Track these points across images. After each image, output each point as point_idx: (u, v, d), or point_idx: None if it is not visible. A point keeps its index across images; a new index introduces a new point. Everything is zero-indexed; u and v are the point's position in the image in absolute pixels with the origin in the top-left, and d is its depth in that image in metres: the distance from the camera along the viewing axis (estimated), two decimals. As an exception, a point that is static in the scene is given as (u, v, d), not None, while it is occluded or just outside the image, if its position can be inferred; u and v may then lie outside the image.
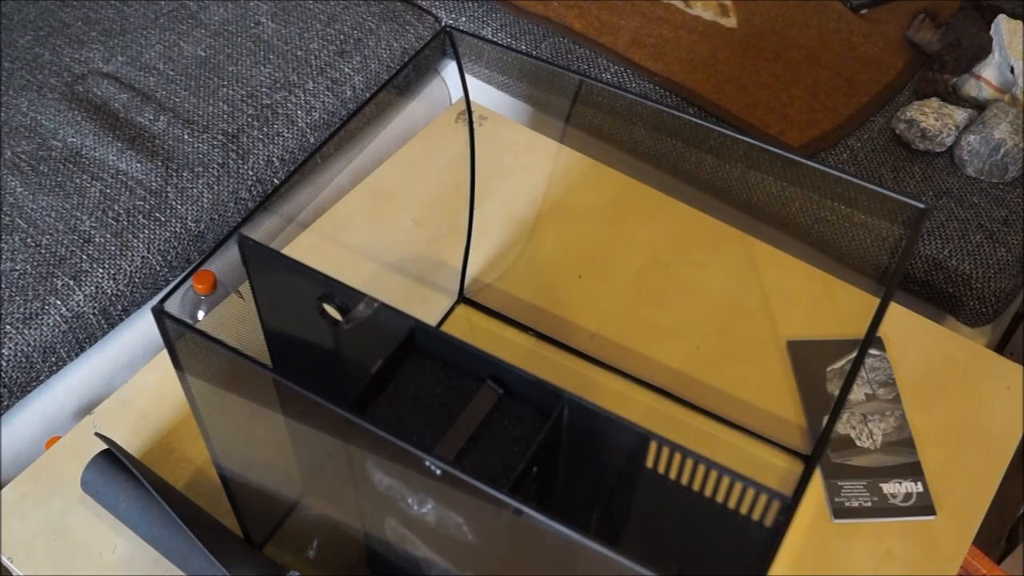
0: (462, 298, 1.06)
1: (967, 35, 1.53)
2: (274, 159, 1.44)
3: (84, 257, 1.27)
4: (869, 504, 0.91)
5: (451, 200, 1.15)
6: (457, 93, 1.70)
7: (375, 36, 1.59)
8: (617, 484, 0.67)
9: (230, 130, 1.43)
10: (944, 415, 0.98)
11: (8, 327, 1.20)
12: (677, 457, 0.60)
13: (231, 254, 0.70)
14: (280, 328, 0.77)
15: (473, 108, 0.97)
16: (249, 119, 1.45)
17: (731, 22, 1.61)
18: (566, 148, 1.22)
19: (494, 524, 0.58)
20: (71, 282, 1.25)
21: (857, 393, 0.99)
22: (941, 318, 1.38)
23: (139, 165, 1.37)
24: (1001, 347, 1.56)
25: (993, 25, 1.51)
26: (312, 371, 0.76)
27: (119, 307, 1.28)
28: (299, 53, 1.54)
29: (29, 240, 1.28)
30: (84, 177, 1.36)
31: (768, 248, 1.11)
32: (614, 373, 1.00)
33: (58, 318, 1.22)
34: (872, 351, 1.02)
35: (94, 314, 1.26)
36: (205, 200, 1.36)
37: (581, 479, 0.69)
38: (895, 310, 1.06)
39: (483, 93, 1.62)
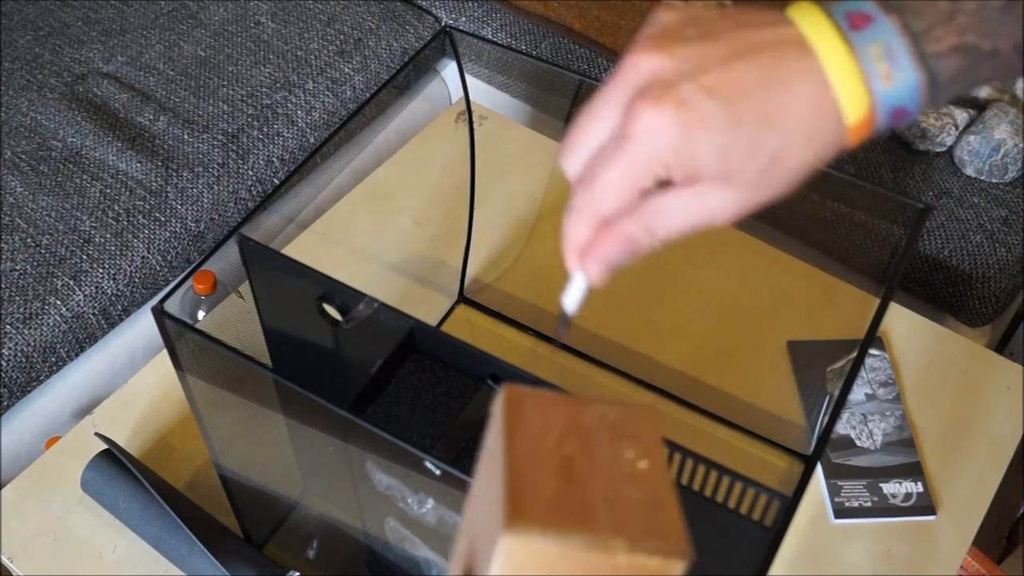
0: (462, 298, 1.06)
1: (967, 35, 1.53)
2: (274, 159, 1.44)
3: (84, 257, 1.27)
4: (869, 504, 0.91)
5: (451, 200, 1.15)
6: (457, 93, 1.70)
7: (375, 36, 1.59)
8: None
9: (230, 130, 1.43)
10: (944, 415, 0.98)
11: (8, 327, 1.20)
12: (677, 457, 0.60)
13: (231, 254, 0.70)
14: (280, 328, 0.77)
15: (473, 108, 0.97)
16: (249, 119, 1.45)
17: (731, 22, 1.61)
18: (566, 148, 1.21)
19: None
20: (71, 282, 1.25)
21: (857, 393, 0.99)
22: (941, 318, 1.38)
23: (139, 165, 1.37)
24: (1001, 347, 1.56)
25: (993, 25, 1.51)
26: (312, 371, 0.76)
27: (119, 307, 1.28)
28: (299, 53, 1.54)
29: (29, 240, 1.28)
30: (84, 177, 1.36)
31: (768, 248, 1.11)
32: (614, 373, 1.00)
33: (58, 318, 1.22)
34: (872, 351, 1.02)
35: (94, 314, 1.26)
36: (205, 200, 1.36)
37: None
38: (895, 310, 1.06)
39: (483, 93, 1.62)
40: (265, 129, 1.44)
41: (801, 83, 0.39)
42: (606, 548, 0.31)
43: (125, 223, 1.31)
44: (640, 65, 0.40)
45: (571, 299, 0.47)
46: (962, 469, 0.94)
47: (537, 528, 0.30)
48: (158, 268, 1.31)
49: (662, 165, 0.40)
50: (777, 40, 0.39)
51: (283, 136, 1.45)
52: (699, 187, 0.40)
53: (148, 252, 1.30)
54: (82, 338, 1.25)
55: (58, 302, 1.23)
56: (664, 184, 0.41)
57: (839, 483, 0.92)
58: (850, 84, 0.39)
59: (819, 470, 0.93)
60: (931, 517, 0.91)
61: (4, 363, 1.18)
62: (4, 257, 1.26)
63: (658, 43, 0.40)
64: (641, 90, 0.40)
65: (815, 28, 0.39)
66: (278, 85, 1.49)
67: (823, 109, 0.39)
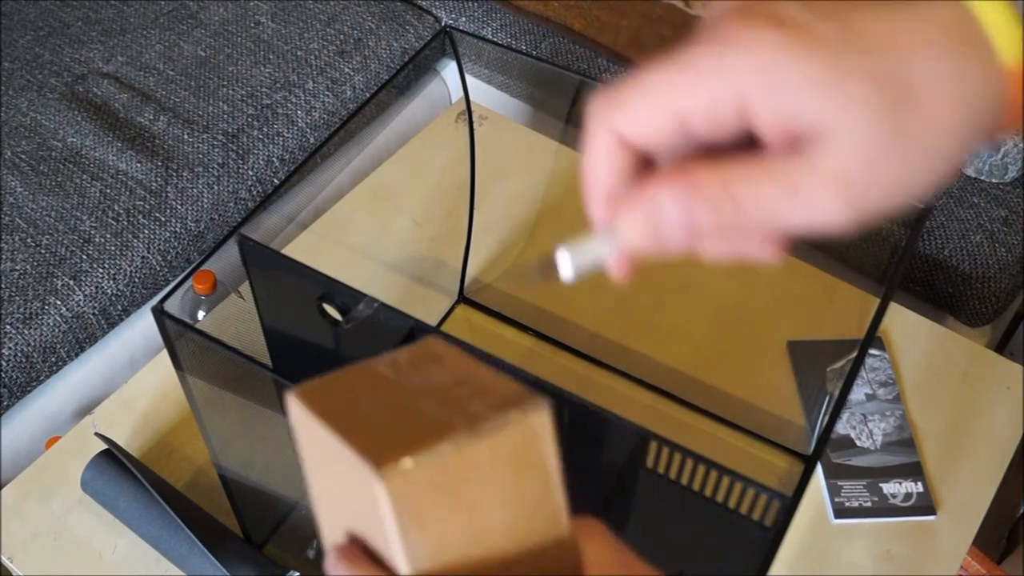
0: (462, 298, 1.06)
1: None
2: (274, 159, 1.44)
3: (84, 257, 1.27)
4: (869, 504, 0.91)
5: (451, 200, 1.15)
6: (457, 93, 1.70)
7: (375, 36, 1.59)
8: (617, 484, 0.67)
9: (230, 130, 1.43)
10: (944, 415, 0.98)
11: (8, 327, 1.20)
12: (677, 457, 0.60)
13: (231, 254, 0.70)
14: (280, 328, 0.77)
15: (473, 108, 0.97)
16: (249, 119, 1.45)
17: (731, 22, 1.61)
18: (566, 148, 1.22)
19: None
20: (71, 282, 1.25)
21: (857, 393, 0.99)
22: (941, 318, 1.38)
23: (139, 165, 1.37)
24: (1001, 347, 1.56)
25: (993, 25, 1.51)
26: (312, 371, 0.76)
27: (119, 307, 1.28)
28: (299, 53, 1.54)
29: (29, 240, 1.28)
30: (84, 177, 1.36)
31: (768, 248, 1.11)
32: (614, 373, 1.00)
33: (58, 318, 1.22)
34: (872, 351, 1.02)
35: (94, 314, 1.26)
36: (205, 200, 1.36)
37: (581, 479, 0.69)
38: (895, 310, 1.06)
39: (483, 93, 1.62)
40: (265, 129, 1.44)
41: (937, 9, 0.28)
42: (475, 438, 0.31)
43: (125, 223, 1.31)
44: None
45: (577, 260, 0.32)
46: (962, 469, 0.94)
47: (405, 458, 0.30)
48: (158, 268, 1.31)
49: (734, 95, 0.27)
50: None
51: (283, 136, 1.45)
52: (803, 146, 0.28)
53: (148, 252, 1.30)
54: (82, 338, 1.25)
55: (58, 302, 1.23)
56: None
57: (839, 483, 0.92)
58: (1002, 18, 0.28)
59: (819, 470, 0.93)
60: (931, 517, 0.91)
61: (4, 363, 1.18)
62: (4, 257, 1.26)
63: None
64: (732, 12, 0.28)
65: None
66: (278, 85, 1.49)
67: (970, 43, 0.28)
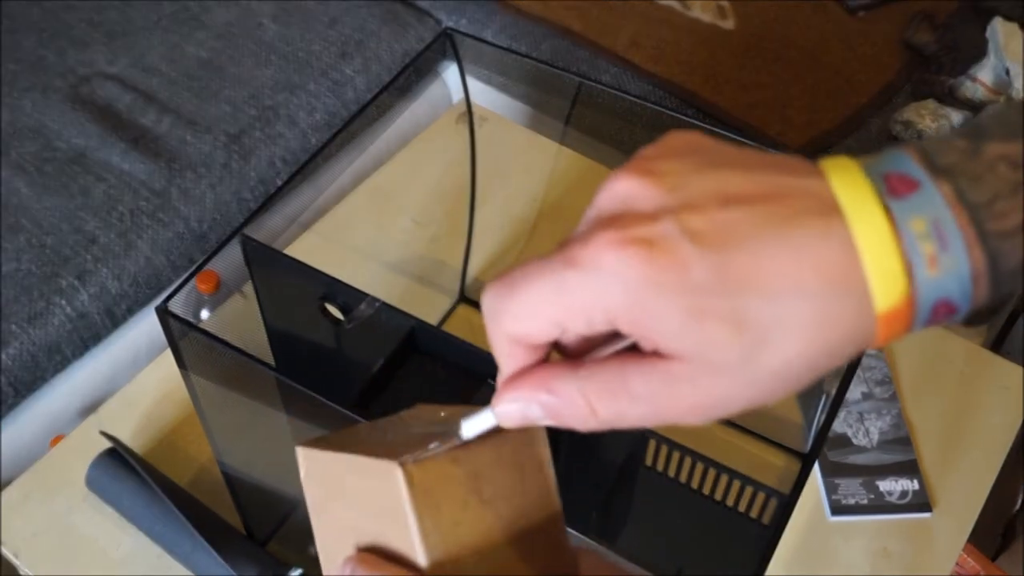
0: (463, 298, 1.07)
1: (964, 37, 1.54)
2: (276, 160, 1.45)
3: (89, 257, 1.28)
4: (866, 501, 0.92)
5: (452, 200, 1.15)
6: (458, 95, 1.70)
7: (376, 38, 1.59)
8: (617, 482, 0.68)
9: (233, 131, 1.44)
10: (940, 413, 0.99)
11: (13, 326, 1.21)
12: (676, 455, 0.61)
13: (234, 254, 0.70)
14: (283, 327, 0.78)
15: (474, 109, 0.98)
16: (251, 120, 1.45)
17: (728, 24, 1.62)
18: (566, 149, 1.22)
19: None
20: (76, 282, 1.26)
21: (854, 391, 1.00)
22: (939, 318, 1.38)
23: (142, 166, 1.38)
24: (997, 346, 1.57)
25: (989, 27, 1.51)
26: (314, 370, 0.77)
27: (123, 307, 1.29)
28: (301, 55, 1.55)
29: (34, 240, 1.29)
30: (88, 178, 1.37)
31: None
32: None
33: (63, 317, 1.23)
34: (868, 350, 1.03)
35: (98, 314, 1.26)
36: (208, 201, 1.37)
37: (581, 478, 0.69)
38: (892, 310, 1.07)
39: (483, 94, 1.63)
40: (267, 130, 1.45)
41: (818, 246, 0.29)
42: (481, 439, 0.35)
43: (129, 223, 1.32)
44: (615, 189, 0.31)
45: (471, 427, 0.36)
46: (958, 467, 0.95)
47: (419, 452, 0.34)
48: (162, 268, 1.32)
49: (605, 315, 0.30)
50: (797, 189, 0.30)
51: (285, 137, 1.46)
52: (665, 364, 0.30)
53: (152, 252, 1.31)
54: (87, 337, 1.26)
55: (63, 302, 1.24)
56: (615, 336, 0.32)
57: (836, 481, 0.93)
58: (885, 261, 0.29)
59: (816, 468, 0.94)
60: (927, 514, 0.91)
61: (9, 362, 1.19)
62: (10, 257, 1.26)
63: (646, 166, 0.31)
64: (608, 218, 0.31)
65: (848, 185, 0.30)
66: (280, 86, 1.50)
67: (845, 286, 0.29)
